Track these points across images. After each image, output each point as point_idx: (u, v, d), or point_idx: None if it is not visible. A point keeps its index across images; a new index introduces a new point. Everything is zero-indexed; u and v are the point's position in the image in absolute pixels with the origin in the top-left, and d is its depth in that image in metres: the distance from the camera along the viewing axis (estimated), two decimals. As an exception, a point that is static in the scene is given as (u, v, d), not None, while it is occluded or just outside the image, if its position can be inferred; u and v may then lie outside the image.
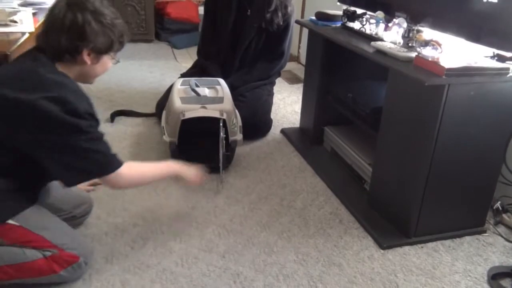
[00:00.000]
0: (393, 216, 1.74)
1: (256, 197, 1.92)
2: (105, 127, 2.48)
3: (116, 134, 2.40)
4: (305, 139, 2.45)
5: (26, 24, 1.87)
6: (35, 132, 1.22)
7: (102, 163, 1.30)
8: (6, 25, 1.83)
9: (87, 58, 1.30)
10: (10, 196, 1.30)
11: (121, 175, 1.34)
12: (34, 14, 2.10)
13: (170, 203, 1.84)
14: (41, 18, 2.07)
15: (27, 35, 1.76)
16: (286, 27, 2.50)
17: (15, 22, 1.86)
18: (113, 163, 1.33)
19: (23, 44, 1.72)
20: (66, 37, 1.25)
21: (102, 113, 2.61)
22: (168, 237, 1.64)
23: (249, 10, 2.46)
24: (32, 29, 1.83)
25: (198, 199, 1.87)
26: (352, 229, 1.75)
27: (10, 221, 1.28)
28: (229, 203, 1.87)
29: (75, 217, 1.61)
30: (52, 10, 1.29)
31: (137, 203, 1.82)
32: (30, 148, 1.25)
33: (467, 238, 1.72)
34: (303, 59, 3.65)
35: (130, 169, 1.38)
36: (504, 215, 1.81)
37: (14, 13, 1.98)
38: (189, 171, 1.62)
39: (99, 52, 1.32)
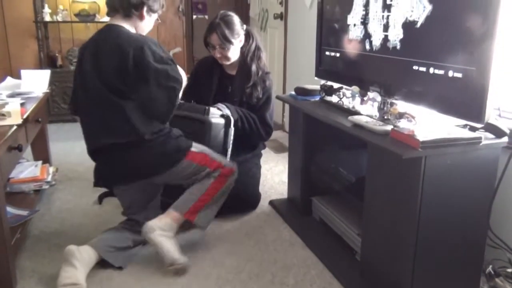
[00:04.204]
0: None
1: (247, 276, 1.88)
2: (92, 210, 2.47)
3: (106, 217, 2.39)
4: (294, 210, 2.45)
5: (14, 117, 1.91)
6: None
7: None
8: (-6, 119, 1.87)
9: (145, 14, 1.91)
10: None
11: None
12: (22, 104, 2.16)
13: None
14: (29, 108, 2.13)
15: (14, 128, 1.81)
16: (267, 100, 2.57)
17: (4, 115, 1.90)
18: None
19: (12, 136, 1.76)
20: None
21: (90, 195, 2.61)
22: (158, 326, 1.59)
23: (230, 87, 2.55)
24: (20, 122, 1.88)
25: (189, 283, 1.84)
26: (346, 304, 1.71)
27: (193, 149, 1.97)
28: (220, 284, 1.83)
29: None
30: None
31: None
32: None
33: (463, 306, 1.70)
34: (287, 127, 3.73)
35: None
36: (497, 279, 1.80)
37: (3, 105, 2.03)
38: None
39: (152, 11, 1.94)
